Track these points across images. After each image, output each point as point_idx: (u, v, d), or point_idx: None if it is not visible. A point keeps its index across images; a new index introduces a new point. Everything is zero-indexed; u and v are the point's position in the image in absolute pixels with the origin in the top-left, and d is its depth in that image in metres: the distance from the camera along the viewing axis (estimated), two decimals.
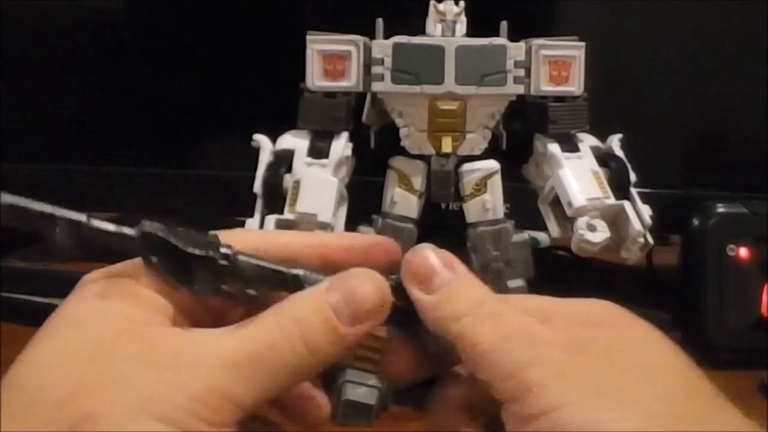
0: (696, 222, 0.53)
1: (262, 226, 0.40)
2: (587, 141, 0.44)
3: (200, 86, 0.59)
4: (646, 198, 0.44)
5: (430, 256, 0.29)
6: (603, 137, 0.45)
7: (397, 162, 0.42)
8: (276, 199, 0.40)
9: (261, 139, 0.42)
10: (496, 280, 0.41)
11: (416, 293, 0.29)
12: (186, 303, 0.28)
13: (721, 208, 0.52)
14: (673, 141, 0.59)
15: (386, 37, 0.40)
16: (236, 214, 0.42)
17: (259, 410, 0.28)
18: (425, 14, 0.41)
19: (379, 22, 0.40)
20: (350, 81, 0.40)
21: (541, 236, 0.61)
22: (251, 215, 0.40)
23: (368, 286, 0.28)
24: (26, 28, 0.60)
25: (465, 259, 0.32)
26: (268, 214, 0.40)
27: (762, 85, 0.55)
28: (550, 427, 0.25)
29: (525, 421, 0.26)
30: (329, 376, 0.41)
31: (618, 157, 0.44)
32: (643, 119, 0.57)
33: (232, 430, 0.25)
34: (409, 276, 0.29)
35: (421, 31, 0.41)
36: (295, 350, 0.26)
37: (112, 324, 0.26)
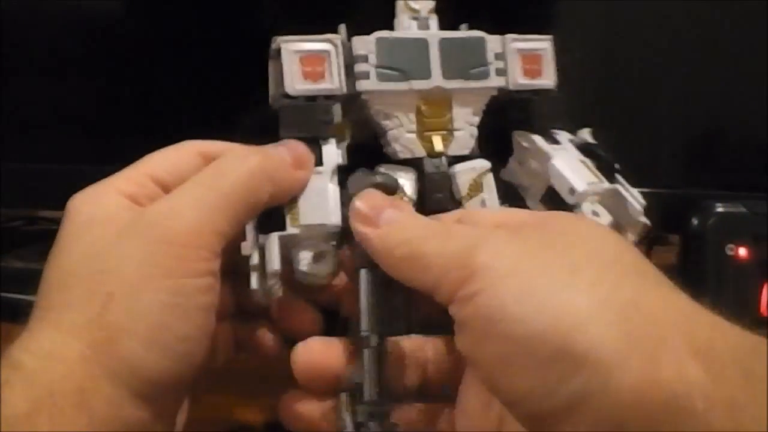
0: (695, 222, 0.53)
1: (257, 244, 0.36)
2: (563, 134, 0.43)
3: (201, 87, 0.59)
4: (645, 198, 0.44)
5: (377, 197, 0.32)
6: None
7: (385, 170, 0.39)
8: (268, 215, 0.36)
9: None
10: None
11: (363, 229, 0.31)
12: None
13: (720, 208, 0.52)
14: (672, 141, 0.58)
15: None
16: None
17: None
18: (389, 17, 0.39)
19: (342, 27, 0.38)
20: (332, 83, 0.37)
21: None
22: None
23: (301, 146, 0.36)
24: (26, 28, 0.60)
25: None
26: (261, 232, 0.36)
27: (762, 85, 0.55)
28: (490, 299, 0.26)
29: (468, 301, 0.27)
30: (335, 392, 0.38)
31: (597, 145, 0.43)
32: (642, 119, 0.57)
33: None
34: (356, 217, 0.32)
35: None
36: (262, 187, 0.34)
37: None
